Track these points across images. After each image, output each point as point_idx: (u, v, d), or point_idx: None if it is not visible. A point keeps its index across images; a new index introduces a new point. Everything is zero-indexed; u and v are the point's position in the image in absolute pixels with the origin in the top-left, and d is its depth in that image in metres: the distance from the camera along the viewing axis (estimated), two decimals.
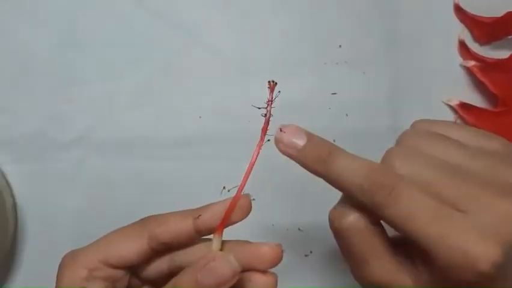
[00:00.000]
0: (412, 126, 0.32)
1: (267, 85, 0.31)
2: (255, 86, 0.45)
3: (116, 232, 0.32)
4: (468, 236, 0.25)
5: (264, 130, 0.30)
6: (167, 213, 0.32)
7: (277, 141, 0.30)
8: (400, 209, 0.27)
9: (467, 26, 0.45)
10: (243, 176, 0.30)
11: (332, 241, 0.44)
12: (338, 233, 0.30)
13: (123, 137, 0.44)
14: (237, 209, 0.30)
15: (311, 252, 0.44)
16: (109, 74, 0.45)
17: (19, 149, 0.44)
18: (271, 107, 0.31)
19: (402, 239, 0.29)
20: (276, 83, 0.31)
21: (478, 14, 0.44)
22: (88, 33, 0.45)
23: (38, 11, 0.45)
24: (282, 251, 0.31)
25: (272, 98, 0.31)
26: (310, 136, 0.30)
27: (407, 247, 0.29)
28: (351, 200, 0.29)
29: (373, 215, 0.28)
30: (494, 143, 0.29)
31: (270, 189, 0.44)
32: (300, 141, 0.30)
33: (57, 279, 0.31)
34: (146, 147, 0.44)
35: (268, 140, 0.30)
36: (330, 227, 0.30)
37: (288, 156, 0.30)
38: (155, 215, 0.32)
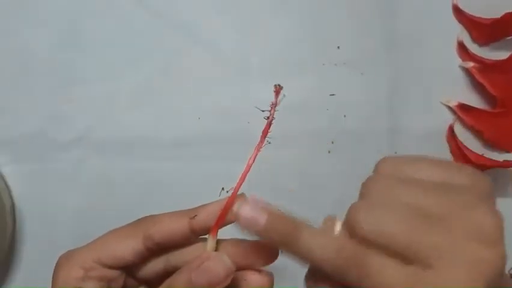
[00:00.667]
0: (375, 169, 0.30)
1: (272, 88, 0.31)
2: (255, 87, 0.45)
3: (111, 232, 0.32)
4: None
5: (265, 133, 0.30)
6: (163, 214, 0.32)
7: (237, 217, 0.29)
8: (375, 283, 0.26)
9: (466, 27, 0.45)
10: (245, 180, 0.30)
11: None
12: None
13: (123, 137, 0.45)
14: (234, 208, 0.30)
15: None
16: (109, 74, 0.45)
17: (19, 149, 0.44)
18: (274, 111, 0.30)
19: None
20: (282, 87, 0.31)
21: (477, 15, 0.44)
22: (88, 34, 0.45)
23: (38, 11, 0.45)
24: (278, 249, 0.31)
25: (277, 102, 0.31)
26: (270, 216, 0.28)
27: None
28: (320, 272, 0.28)
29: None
30: (463, 178, 0.28)
31: (267, 190, 0.44)
32: (259, 223, 0.28)
33: (52, 279, 0.31)
34: (145, 148, 0.45)
35: (269, 143, 0.30)
36: None
37: (249, 233, 0.29)
38: (151, 215, 0.32)
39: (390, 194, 0.27)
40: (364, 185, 0.29)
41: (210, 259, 0.29)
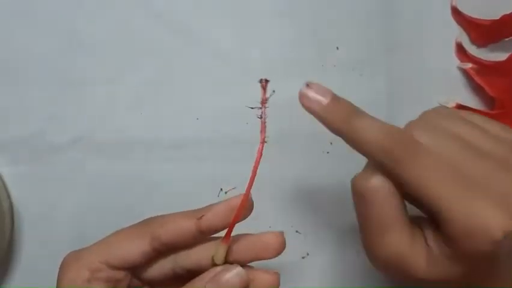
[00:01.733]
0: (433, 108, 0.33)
1: (259, 84, 0.30)
2: (254, 88, 0.45)
3: (118, 233, 0.32)
4: (484, 203, 0.26)
5: (263, 132, 0.30)
6: (170, 214, 0.32)
7: (302, 96, 0.31)
8: (418, 167, 0.27)
9: (464, 28, 0.45)
10: (246, 182, 0.30)
11: (329, 243, 0.44)
12: (362, 195, 0.30)
13: (121, 138, 0.44)
14: (239, 209, 0.31)
15: (308, 254, 0.44)
16: (108, 75, 0.45)
17: (17, 150, 0.44)
18: (265, 107, 0.30)
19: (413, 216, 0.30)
20: (268, 81, 0.30)
21: (476, 17, 0.44)
22: (87, 35, 0.45)
23: (37, 11, 0.44)
24: (285, 238, 0.32)
25: (265, 97, 0.30)
26: (335, 96, 0.30)
27: (418, 222, 0.30)
28: (373, 165, 0.30)
29: (394, 181, 0.29)
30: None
31: (267, 191, 0.44)
32: (325, 98, 0.30)
33: (58, 280, 0.31)
34: (144, 149, 0.44)
35: (266, 142, 0.30)
36: (353, 193, 0.30)
37: (310, 112, 0.30)
38: (157, 216, 0.32)
39: (451, 122, 0.30)
40: (424, 112, 0.32)
41: (224, 270, 0.30)
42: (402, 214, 0.29)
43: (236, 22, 0.45)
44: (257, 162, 0.30)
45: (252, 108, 0.30)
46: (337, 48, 0.45)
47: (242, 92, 0.45)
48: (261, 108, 0.30)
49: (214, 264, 0.31)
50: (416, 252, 0.28)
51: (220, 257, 0.31)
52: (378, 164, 0.29)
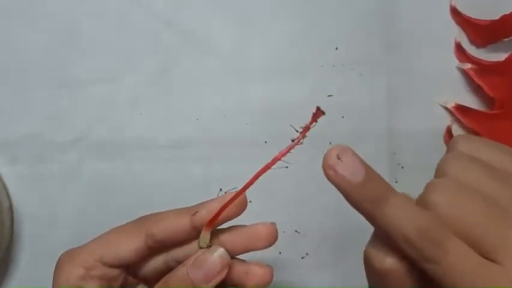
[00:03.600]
0: (453, 147, 0.29)
1: (313, 110, 0.28)
2: (253, 88, 0.45)
3: (113, 231, 0.32)
4: None
5: (284, 152, 0.28)
6: (164, 212, 0.32)
7: (329, 168, 0.27)
8: (445, 265, 0.25)
9: (463, 29, 0.45)
10: (243, 181, 0.30)
11: (329, 244, 0.44)
12: (376, 273, 0.27)
13: (121, 138, 0.44)
14: (232, 206, 0.31)
15: (307, 254, 0.44)
16: (107, 75, 0.45)
17: (17, 150, 0.44)
18: (304, 136, 0.28)
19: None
20: (324, 113, 0.28)
21: (475, 17, 0.44)
22: (86, 34, 0.45)
23: (36, 11, 0.45)
24: (277, 229, 0.32)
25: (310, 126, 0.28)
26: (369, 173, 0.26)
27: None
28: (390, 242, 0.27)
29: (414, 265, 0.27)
30: None
31: (266, 191, 0.44)
32: (357, 177, 0.26)
33: (54, 278, 0.32)
34: (143, 149, 0.44)
35: (287, 167, 0.29)
36: (366, 265, 0.28)
37: (335, 186, 0.27)
38: (151, 214, 0.33)
39: (469, 176, 0.26)
40: (442, 163, 0.28)
41: (205, 252, 0.30)
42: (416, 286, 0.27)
43: (236, 22, 0.45)
44: (262, 171, 0.29)
45: (297, 131, 0.28)
46: (336, 48, 0.45)
47: (242, 92, 0.45)
48: (301, 132, 0.28)
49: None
50: None
51: (203, 241, 0.31)
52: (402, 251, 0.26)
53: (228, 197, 0.31)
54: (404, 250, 0.26)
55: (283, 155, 0.28)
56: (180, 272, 0.30)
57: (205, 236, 0.31)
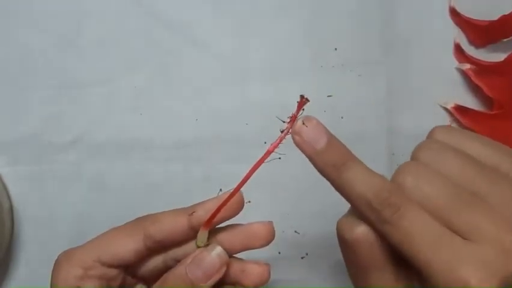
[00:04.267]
0: (430, 135, 0.30)
1: (298, 99, 0.29)
2: (253, 88, 0.45)
3: (111, 231, 0.32)
4: (467, 265, 0.25)
5: (275, 144, 0.29)
6: (162, 212, 0.32)
7: (295, 133, 0.28)
8: (403, 229, 0.26)
9: (462, 29, 0.45)
10: (241, 178, 0.30)
11: (328, 243, 0.44)
12: (346, 243, 0.29)
13: (121, 139, 0.45)
14: (229, 205, 0.31)
15: (307, 254, 0.44)
16: (107, 76, 0.45)
17: (17, 151, 0.44)
18: (292, 125, 0.29)
19: None
20: (308, 100, 0.29)
21: (474, 17, 0.44)
22: (85, 35, 0.45)
23: (35, 12, 0.45)
24: (274, 228, 0.32)
25: (297, 115, 0.29)
26: (330, 139, 0.28)
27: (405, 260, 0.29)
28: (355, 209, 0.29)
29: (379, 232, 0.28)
30: None
31: (266, 192, 0.44)
32: (320, 143, 0.28)
33: (52, 278, 0.32)
34: (143, 149, 0.45)
35: (279, 158, 0.29)
36: (338, 237, 0.29)
37: (301, 150, 0.29)
38: (150, 214, 0.33)
39: (443, 161, 0.27)
40: (417, 148, 0.29)
41: (204, 251, 0.30)
42: (386, 257, 0.28)
43: (236, 22, 0.45)
44: (256, 167, 0.29)
45: (283, 121, 0.29)
46: (335, 49, 0.45)
47: (242, 93, 0.45)
48: (288, 122, 0.29)
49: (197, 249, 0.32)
50: None
51: (201, 240, 0.31)
52: (363, 216, 0.28)
53: (225, 196, 0.31)
54: (363, 213, 0.27)
55: (275, 146, 0.29)
56: (178, 270, 0.30)
57: (202, 235, 0.31)
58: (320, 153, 0.28)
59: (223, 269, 0.30)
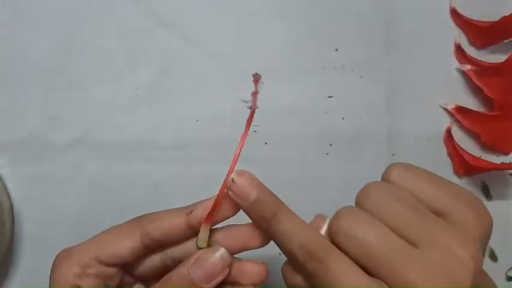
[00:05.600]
0: (385, 174, 0.30)
1: (252, 78, 0.32)
2: (252, 89, 0.45)
3: (109, 230, 0.33)
4: None
5: (249, 121, 0.31)
6: (160, 211, 0.32)
7: (229, 187, 0.31)
8: (329, 282, 0.27)
9: (463, 30, 0.45)
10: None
11: None
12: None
13: (121, 140, 0.45)
14: (227, 204, 0.31)
15: None
16: (107, 76, 0.45)
17: (17, 151, 0.44)
18: (256, 99, 0.32)
19: None
20: (260, 76, 0.32)
21: (475, 18, 0.44)
22: (86, 36, 0.45)
23: (36, 13, 0.45)
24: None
25: (257, 90, 0.32)
26: (260, 193, 0.30)
27: None
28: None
29: None
30: (461, 213, 0.28)
31: None
32: (250, 197, 0.30)
33: (50, 275, 0.32)
34: (144, 150, 0.45)
35: (255, 131, 0.31)
36: (285, 282, 0.31)
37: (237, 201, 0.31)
38: (149, 213, 0.33)
39: (382, 210, 0.28)
40: (360, 192, 0.30)
41: (206, 252, 0.30)
42: None
43: (236, 23, 0.45)
44: (241, 144, 0.31)
45: (245, 101, 0.32)
46: (336, 49, 0.45)
47: (242, 94, 0.45)
48: (252, 100, 0.32)
49: (200, 250, 0.31)
50: None
51: (202, 240, 0.31)
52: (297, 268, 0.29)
53: (222, 189, 0.31)
54: (295, 265, 0.29)
55: (250, 121, 0.31)
56: (181, 271, 0.30)
57: (204, 232, 0.31)
58: (250, 207, 0.30)
59: (226, 271, 0.30)
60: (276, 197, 0.31)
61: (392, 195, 0.28)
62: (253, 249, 0.32)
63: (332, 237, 0.28)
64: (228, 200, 0.31)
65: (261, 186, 0.30)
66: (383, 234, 0.27)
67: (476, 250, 0.27)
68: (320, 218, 0.31)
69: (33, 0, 0.45)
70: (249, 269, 0.32)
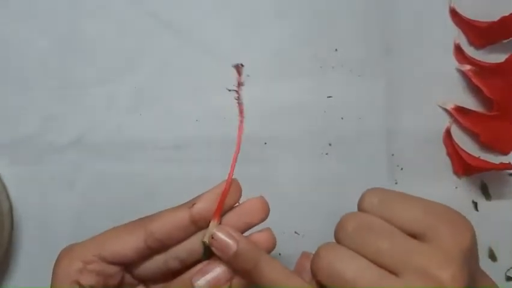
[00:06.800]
0: (360, 201, 0.31)
1: (235, 69, 0.33)
2: (252, 89, 0.45)
3: (114, 229, 0.33)
4: None
5: (241, 113, 0.33)
6: (163, 210, 0.33)
7: (210, 244, 0.32)
8: None
9: (462, 30, 0.45)
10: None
11: None
12: None
13: (120, 140, 0.45)
14: (230, 192, 0.32)
15: None
16: (107, 76, 0.45)
17: (16, 151, 0.44)
18: (240, 89, 0.33)
19: None
20: (243, 66, 0.33)
21: (474, 18, 0.44)
22: (85, 36, 0.45)
23: (35, 13, 0.45)
24: (267, 201, 0.33)
25: (241, 81, 0.33)
26: (240, 246, 0.31)
27: None
28: None
29: None
30: (441, 234, 0.28)
31: (265, 193, 0.44)
32: (230, 251, 0.31)
33: (53, 270, 0.32)
34: (143, 150, 0.45)
35: (241, 122, 0.33)
36: None
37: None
38: (152, 214, 0.33)
39: (358, 242, 0.29)
40: (337, 227, 0.31)
41: (217, 230, 0.31)
42: None
43: (235, 22, 0.45)
44: (238, 142, 0.33)
45: (229, 90, 0.33)
46: (335, 49, 0.45)
47: (242, 93, 0.45)
48: (236, 90, 0.33)
49: (205, 246, 0.32)
50: None
51: (210, 235, 0.32)
52: None
53: (223, 185, 0.32)
54: None
55: (242, 111, 0.33)
56: (183, 279, 0.31)
57: (212, 228, 0.32)
58: (232, 260, 0.31)
59: (228, 284, 0.32)
60: (256, 248, 0.31)
61: (365, 226, 0.29)
62: (256, 224, 0.33)
63: (315, 276, 0.30)
64: (232, 190, 0.32)
65: (241, 239, 0.31)
66: (360, 268, 0.28)
67: (458, 268, 0.27)
68: (304, 256, 0.32)
69: (34, 0, 0.45)
70: (259, 239, 0.33)
